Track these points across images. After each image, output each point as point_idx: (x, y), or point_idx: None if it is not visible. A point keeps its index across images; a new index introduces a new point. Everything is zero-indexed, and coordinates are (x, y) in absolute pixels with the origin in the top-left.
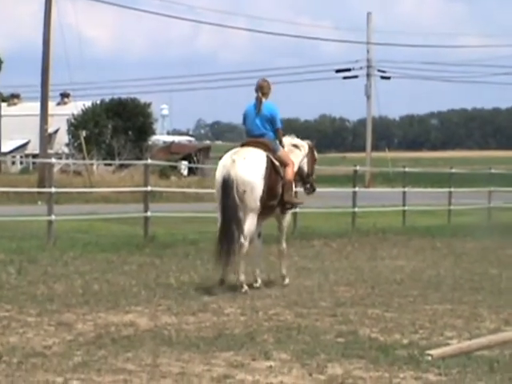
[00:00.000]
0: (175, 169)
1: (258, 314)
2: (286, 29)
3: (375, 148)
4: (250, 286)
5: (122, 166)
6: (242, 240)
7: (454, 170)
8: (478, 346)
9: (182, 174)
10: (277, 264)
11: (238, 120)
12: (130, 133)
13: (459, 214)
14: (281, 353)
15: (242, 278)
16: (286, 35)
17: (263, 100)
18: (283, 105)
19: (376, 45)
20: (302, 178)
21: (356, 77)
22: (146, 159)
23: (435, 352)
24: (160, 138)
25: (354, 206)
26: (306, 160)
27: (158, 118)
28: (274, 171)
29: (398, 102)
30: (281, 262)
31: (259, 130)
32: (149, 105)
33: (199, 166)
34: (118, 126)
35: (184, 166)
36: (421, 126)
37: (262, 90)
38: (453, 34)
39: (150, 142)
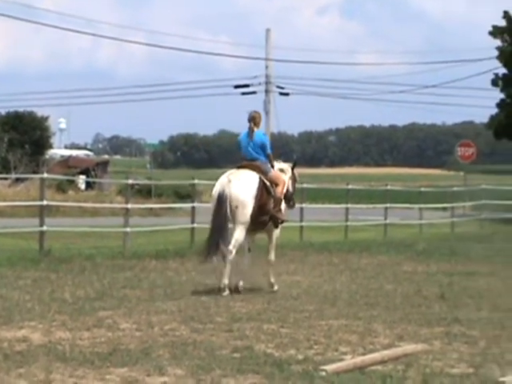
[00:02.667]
0: (73, 183)
1: (154, 330)
2: (185, 44)
3: None
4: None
5: (18, 180)
6: (230, 247)
7: (350, 187)
8: (371, 361)
9: (79, 189)
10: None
11: (136, 134)
12: (26, 146)
13: (356, 230)
14: (176, 368)
15: (226, 281)
16: (185, 50)
17: (255, 129)
18: (182, 120)
19: (275, 61)
20: (285, 196)
21: (255, 92)
22: (43, 173)
23: (329, 367)
24: (57, 151)
25: None
26: (290, 181)
27: (55, 131)
28: (265, 190)
29: (296, 118)
30: (269, 272)
31: (252, 155)
32: (46, 118)
33: (97, 180)
34: (15, 140)
35: (82, 180)
36: (319, 142)
37: (254, 120)
38: (350, 52)
39: (47, 156)
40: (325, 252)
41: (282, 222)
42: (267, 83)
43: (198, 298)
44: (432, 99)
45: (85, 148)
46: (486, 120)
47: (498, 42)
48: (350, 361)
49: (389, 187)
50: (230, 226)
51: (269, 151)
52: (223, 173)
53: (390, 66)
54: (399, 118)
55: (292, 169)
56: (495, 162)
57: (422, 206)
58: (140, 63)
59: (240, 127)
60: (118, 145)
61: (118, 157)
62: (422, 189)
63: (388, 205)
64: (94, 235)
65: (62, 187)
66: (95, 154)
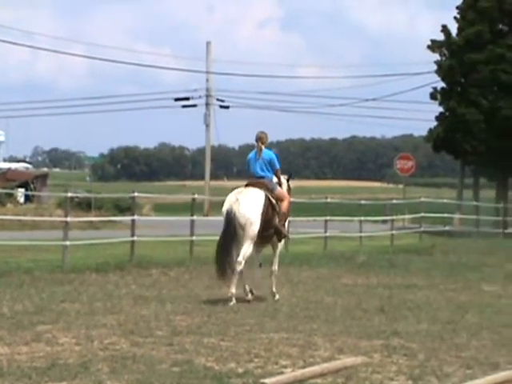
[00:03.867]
0: (11, 196)
1: (93, 344)
2: (126, 56)
3: (214, 177)
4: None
5: None
6: (240, 259)
7: (291, 199)
8: (311, 374)
9: (18, 202)
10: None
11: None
12: None
13: (296, 243)
14: (115, 382)
15: (233, 290)
16: (126, 63)
17: (263, 148)
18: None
19: (215, 74)
20: None
21: (195, 105)
22: None
23: (269, 380)
24: None
25: (192, 234)
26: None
27: None
28: (270, 207)
29: (236, 131)
30: (272, 281)
31: (260, 173)
32: None
33: (36, 193)
34: None
35: (20, 193)
36: None
37: (261, 140)
38: (291, 65)
39: None
40: (265, 265)
41: (285, 236)
42: (207, 96)
43: (138, 311)
44: (372, 113)
45: (24, 161)
46: (424, 133)
47: (436, 56)
48: (290, 374)
49: (329, 200)
50: (237, 243)
51: (277, 166)
52: (182, 186)
53: (330, 79)
54: (339, 132)
55: (287, 180)
56: (434, 175)
57: (362, 218)
58: (80, 75)
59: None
60: (58, 157)
61: (57, 170)
62: (362, 201)
63: (328, 217)
64: (32, 249)
65: (0, 200)
66: (34, 166)
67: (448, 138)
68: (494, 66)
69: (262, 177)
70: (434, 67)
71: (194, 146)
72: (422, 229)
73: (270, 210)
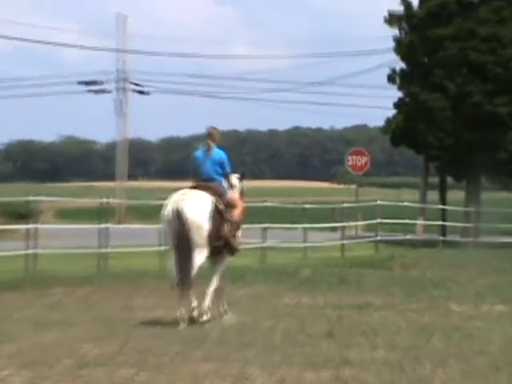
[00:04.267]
0: None
1: None
2: (22, 32)
3: (130, 176)
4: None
5: None
6: (192, 273)
7: (244, 205)
8: None
9: None
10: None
11: None
12: None
13: None
14: None
15: (194, 304)
16: (21, 39)
17: (212, 146)
18: (18, 124)
19: (130, 53)
20: None
21: (106, 91)
22: None
23: None
24: None
25: (103, 245)
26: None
27: None
28: (219, 216)
29: (157, 121)
30: (207, 297)
31: (209, 175)
32: None
33: None
34: None
35: None
36: (185, 150)
37: (212, 136)
38: (222, 42)
39: None
40: (196, 280)
41: (236, 250)
42: (121, 80)
43: (39, 337)
44: (318, 99)
45: None
46: (381, 123)
47: (395, 31)
48: None
49: (268, 203)
50: (191, 245)
51: (228, 169)
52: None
53: (268, 60)
54: (279, 122)
55: (240, 180)
56: (392, 174)
57: (307, 225)
58: None
59: (89, 132)
60: None
61: None
62: (307, 205)
63: (267, 225)
64: None
65: None
66: None
67: (409, 129)
68: (463, 44)
69: (211, 179)
70: (392, 44)
71: (105, 139)
72: (379, 238)
73: (219, 219)
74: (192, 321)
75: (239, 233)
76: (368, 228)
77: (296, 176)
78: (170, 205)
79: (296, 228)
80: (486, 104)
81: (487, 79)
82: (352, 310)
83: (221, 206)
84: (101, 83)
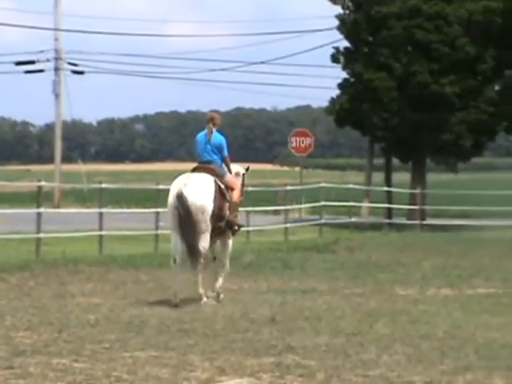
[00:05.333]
0: None
1: None
2: None
3: (67, 159)
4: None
5: None
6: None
7: (162, 187)
8: None
9: None
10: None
11: None
12: None
13: (169, 240)
14: None
15: (202, 290)
16: None
17: (214, 130)
18: None
19: (66, 32)
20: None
21: (42, 71)
22: None
23: None
24: None
25: (38, 230)
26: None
27: None
28: (220, 194)
29: (95, 102)
30: (218, 279)
31: (208, 157)
32: None
33: None
34: None
35: None
36: (124, 132)
37: (213, 121)
38: (161, 21)
39: None
40: (130, 268)
41: (240, 227)
42: (57, 59)
43: None
44: (261, 79)
45: None
46: (325, 104)
47: (338, 9)
48: None
49: None
50: (196, 229)
51: (226, 154)
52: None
53: (209, 38)
54: (221, 102)
55: (243, 174)
56: (337, 155)
57: (249, 208)
58: None
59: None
60: None
61: None
62: (249, 188)
63: None
64: None
65: None
66: None
67: (354, 109)
68: (408, 22)
69: (210, 161)
70: (336, 22)
71: (41, 121)
72: (323, 221)
73: (221, 198)
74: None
75: (237, 212)
76: (312, 211)
77: (238, 158)
78: (173, 190)
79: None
80: (431, 84)
81: (433, 58)
82: (296, 295)
83: (222, 186)
84: (37, 63)
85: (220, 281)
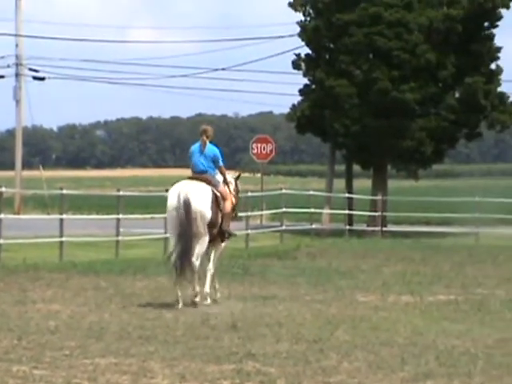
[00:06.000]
0: None
1: None
2: None
3: (27, 165)
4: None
5: None
6: (193, 259)
7: (122, 193)
8: None
9: None
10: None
11: None
12: None
13: (130, 246)
14: None
15: (198, 289)
16: None
17: (207, 142)
18: None
19: (27, 38)
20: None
21: (2, 77)
22: None
23: None
24: None
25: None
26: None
27: None
28: (216, 203)
29: (56, 108)
30: (206, 281)
31: (202, 167)
32: None
33: None
34: None
35: None
36: (84, 138)
37: (206, 133)
38: (122, 27)
39: None
40: (90, 274)
41: (230, 236)
42: (18, 65)
43: None
44: (222, 85)
45: None
46: (287, 110)
47: (299, 16)
48: None
49: (167, 193)
50: (195, 236)
51: (221, 164)
52: None
53: (171, 44)
54: (183, 109)
55: (235, 180)
56: (298, 162)
57: None
58: None
59: None
60: None
61: None
62: None
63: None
64: None
65: None
66: None
67: (315, 116)
68: (369, 29)
69: (204, 171)
70: (298, 29)
71: (2, 127)
72: (284, 227)
73: (216, 207)
74: (194, 305)
75: (229, 221)
76: (273, 217)
77: None
78: (174, 194)
79: None
80: (392, 90)
81: (393, 65)
82: (256, 301)
83: (218, 194)
84: None
85: (208, 283)
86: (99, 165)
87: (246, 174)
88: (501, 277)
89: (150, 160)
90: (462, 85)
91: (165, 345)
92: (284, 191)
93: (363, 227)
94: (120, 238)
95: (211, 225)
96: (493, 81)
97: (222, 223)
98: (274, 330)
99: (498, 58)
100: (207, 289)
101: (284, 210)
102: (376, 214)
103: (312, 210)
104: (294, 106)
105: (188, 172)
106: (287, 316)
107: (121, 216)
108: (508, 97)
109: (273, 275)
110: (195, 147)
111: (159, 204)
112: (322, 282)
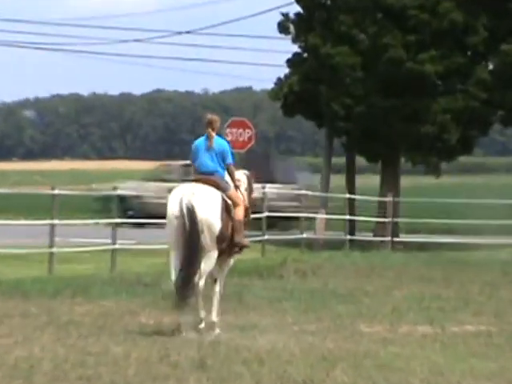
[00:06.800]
0: None
1: None
2: None
3: None
4: None
5: None
6: (197, 279)
7: (58, 192)
8: None
9: None
10: None
11: None
12: None
13: (67, 260)
14: None
15: (203, 315)
16: None
17: (213, 135)
18: None
19: None
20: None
21: None
22: None
23: None
24: None
25: None
26: (246, 194)
27: None
28: (226, 212)
29: None
30: (213, 308)
31: (209, 167)
32: None
33: None
34: None
35: None
36: (9, 121)
37: (212, 124)
38: None
39: None
40: (17, 296)
41: (240, 250)
42: None
43: None
44: (185, 53)
45: None
46: (270, 86)
47: None
48: None
49: (119, 192)
50: (200, 248)
51: (230, 161)
52: None
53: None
54: (136, 83)
55: (248, 178)
56: (286, 152)
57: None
58: None
59: None
60: None
61: None
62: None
63: (117, 220)
64: None
65: None
66: None
67: (307, 93)
68: None
69: (212, 172)
70: None
71: None
72: (266, 237)
73: (226, 217)
74: (199, 332)
75: (243, 231)
76: (252, 224)
77: (158, 155)
78: (175, 200)
79: (157, 224)
80: (407, 61)
81: (408, 28)
82: (231, 332)
83: (229, 202)
84: None
85: (215, 310)
86: (28, 155)
87: None
88: None
89: (93, 149)
90: (497, 54)
91: None
92: (267, 190)
93: (368, 237)
94: (55, 249)
95: (220, 238)
96: None
97: (232, 235)
98: (254, 369)
99: None
100: (214, 317)
101: (266, 214)
102: (385, 220)
103: (303, 215)
104: (279, 80)
105: (149, 164)
106: (270, 351)
107: (56, 221)
108: None
109: (252, 298)
110: (199, 142)
111: (103, 206)
112: (315, 307)
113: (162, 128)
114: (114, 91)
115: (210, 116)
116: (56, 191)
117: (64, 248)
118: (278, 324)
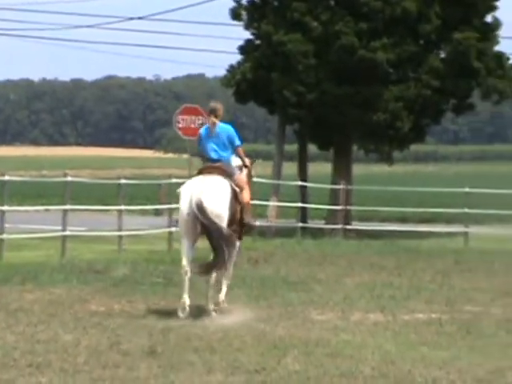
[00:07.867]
0: None
1: None
2: None
3: None
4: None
5: None
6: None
7: (8, 178)
8: None
9: None
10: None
11: None
12: None
13: (16, 247)
14: None
15: (211, 293)
16: None
17: (217, 122)
18: None
19: None
20: None
21: None
22: None
23: None
24: None
25: None
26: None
27: None
28: (234, 198)
29: None
30: (221, 288)
31: (214, 155)
32: None
33: None
34: None
35: None
36: None
37: (215, 112)
38: None
39: None
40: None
41: (249, 230)
42: None
43: None
44: (140, 39)
45: None
46: (222, 73)
47: None
48: None
49: (70, 178)
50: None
51: (238, 143)
52: None
53: None
54: (87, 69)
55: (249, 165)
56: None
57: (123, 207)
58: None
59: None
60: None
61: None
62: (123, 181)
63: (68, 206)
64: None
65: None
66: None
67: (259, 80)
68: None
69: (217, 160)
70: None
71: None
72: None
73: (234, 203)
74: (207, 312)
75: (250, 212)
76: None
77: (109, 142)
78: (186, 199)
79: (108, 211)
80: (359, 48)
81: (361, 16)
82: (182, 319)
83: (237, 189)
84: None
85: (224, 291)
86: None
87: (170, 155)
88: (496, 290)
89: (43, 135)
90: (450, 42)
91: (62, 374)
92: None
93: (320, 225)
94: (4, 236)
95: (230, 222)
96: (488, 37)
97: (241, 216)
98: (205, 357)
99: (495, 7)
100: (222, 296)
101: None
102: (337, 207)
103: (254, 202)
104: (231, 67)
105: (101, 151)
106: (221, 339)
107: (6, 208)
108: (508, 58)
109: (203, 285)
110: (204, 131)
111: (55, 192)
112: (267, 295)
113: (113, 115)
114: (65, 77)
115: (213, 104)
116: (6, 177)
117: (13, 235)
118: (228, 311)
